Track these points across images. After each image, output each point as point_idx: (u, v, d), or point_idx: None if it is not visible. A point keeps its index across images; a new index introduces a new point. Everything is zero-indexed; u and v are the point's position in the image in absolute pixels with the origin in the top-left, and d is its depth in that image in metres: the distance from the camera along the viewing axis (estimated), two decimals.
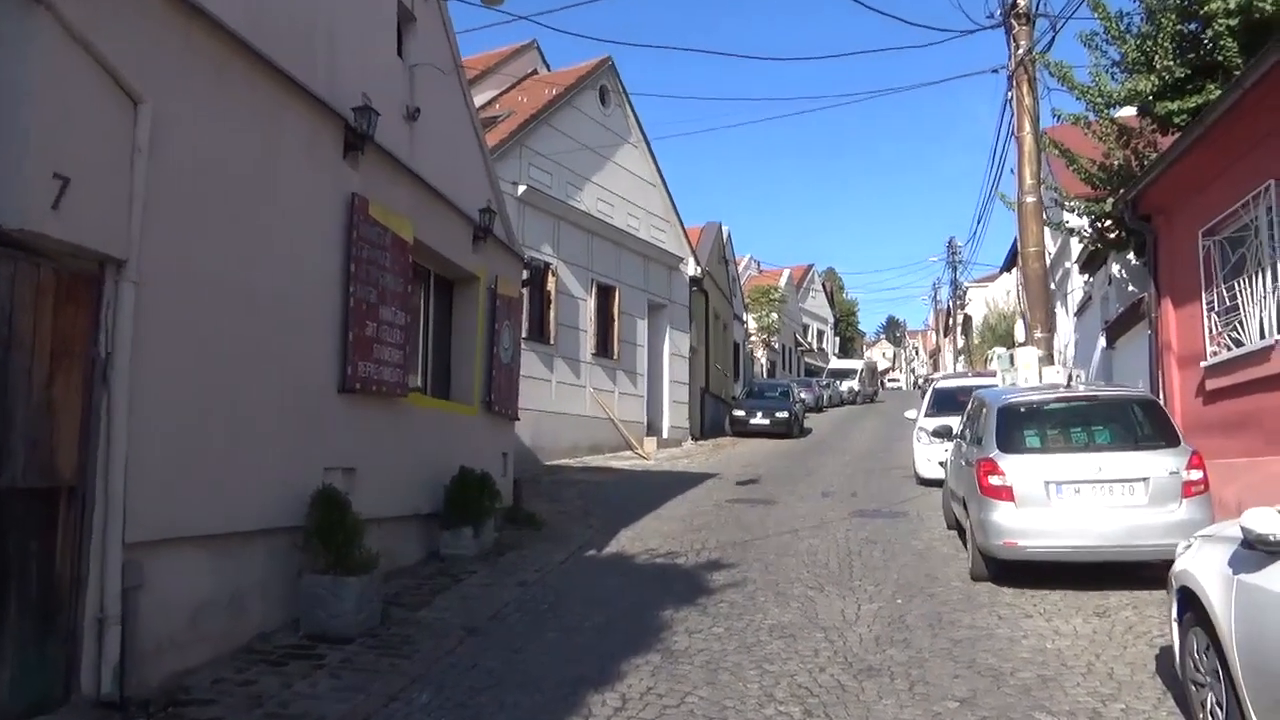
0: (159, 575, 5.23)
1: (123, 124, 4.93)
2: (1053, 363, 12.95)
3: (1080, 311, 19.21)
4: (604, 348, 20.20)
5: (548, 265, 18.24)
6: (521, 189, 17.30)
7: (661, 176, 22.63)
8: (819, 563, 8.86)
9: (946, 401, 15.20)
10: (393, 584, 7.88)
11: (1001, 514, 7.35)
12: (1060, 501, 7.29)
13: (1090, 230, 13.99)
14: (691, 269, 24.18)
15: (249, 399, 6.04)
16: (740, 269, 46.50)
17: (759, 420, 25.47)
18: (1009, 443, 7.72)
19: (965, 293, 55.36)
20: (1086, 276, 18.05)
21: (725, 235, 33.05)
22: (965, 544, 8.72)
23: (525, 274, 12.26)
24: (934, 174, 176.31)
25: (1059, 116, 13.07)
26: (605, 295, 20.32)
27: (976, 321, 49.88)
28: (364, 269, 7.41)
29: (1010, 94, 13.40)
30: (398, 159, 8.20)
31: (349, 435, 7.35)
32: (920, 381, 57.34)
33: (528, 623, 6.87)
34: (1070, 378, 10.31)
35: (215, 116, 5.69)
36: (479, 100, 19.86)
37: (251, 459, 6.07)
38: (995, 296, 45.53)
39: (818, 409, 36.36)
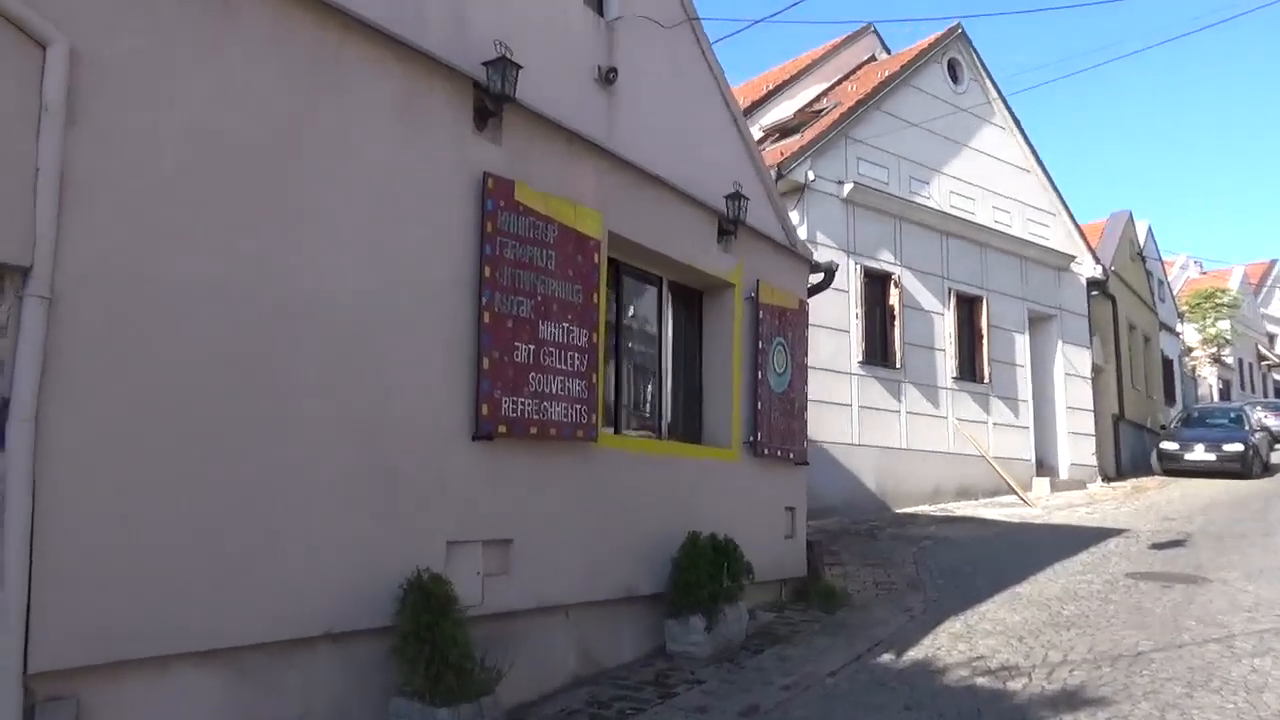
0: (116, 712, 3.67)
1: (20, 74, 3.51)
2: None
3: None
4: (970, 370, 16.62)
5: (888, 275, 15.33)
6: (848, 188, 14.67)
7: (1039, 160, 18.49)
8: (1265, 710, 5.21)
9: None
10: (579, 694, 5.82)
11: None
12: None
13: None
14: (1089, 269, 19.47)
15: (298, 455, 4.38)
16: (1173, 270, 38.65)
17: (1198, 455, 19.77)
18: None
19: None
20: None
21: (1143, 229, 27.09)
22: None
23: (819, 278, 9.69)
24: None
25: None
26: (968, 307, 16.77)
27: None
28: (506, 272, 5.53)
29: None
30: (576, 131, 6.27)
31: (495, 496, 5.46)
32: None
33: None
34: None
35: (209, 65, 4.15)
36: (804, 98, 17.73)
37: (306, 538, 4.39)
38: None
39: None
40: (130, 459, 3.73)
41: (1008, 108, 17.91)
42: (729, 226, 7.87)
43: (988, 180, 17.41)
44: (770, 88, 18.18)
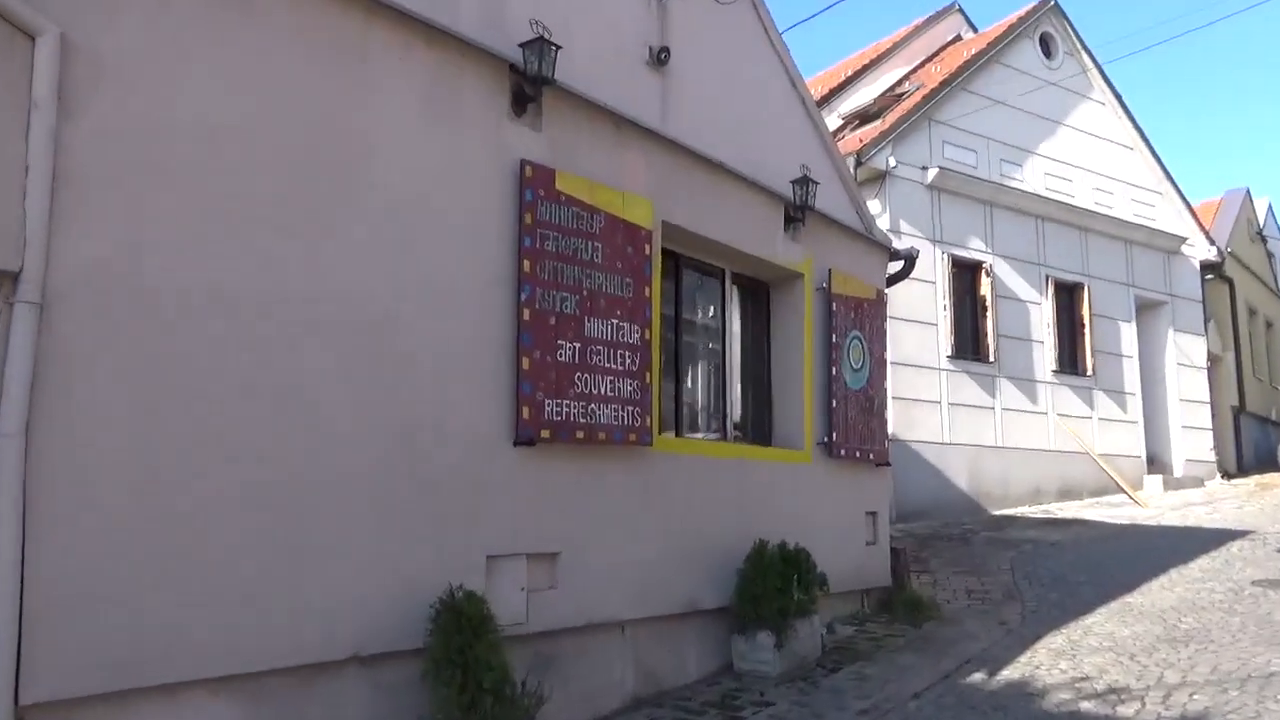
0: None
1: (6, 67, 3.31)
2: None
3: None
4: (1071, 362, 15.60)
5: (979, 264, 14.50)
6: (932, 173, 13.91)
7: (1143, 136, 17.27)
8: None
9: None
10: (636, 717, 5.43)
11: None
12: None
13: None
14: (1203, 252, 18.10)
15: (319, 466, 4.12)
16: None
17: None
18: None
19: None
20: None
21: (1262, 207, 25.20)
22: None
23: (899, 266, 9.08)
24: None
25: None
26: (1068, 295, 15.75)
27: None
28: (548, 266, 5.19)
29: None
30: (624, 115, 5.89)
31: (540, 506, 5.12)
32: None
33: None
34: None
35: (218, 54, 3.91)
36: (885, 82, 16.99)
37: (331, 554, 4.12)
38: None
39: None
40: (130, 474, 3.50)
41: (1107, 81, 16.79)
42: (796, 213, 7.37)
43: (1087, 159, 16.34)
44: (849, 74, 17.47)
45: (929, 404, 13.62)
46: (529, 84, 5.21)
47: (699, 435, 6.96)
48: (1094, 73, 16.70)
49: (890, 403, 13.11)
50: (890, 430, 12.99)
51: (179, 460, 3.64)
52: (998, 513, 13.81)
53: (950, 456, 13.69)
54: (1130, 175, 17.04)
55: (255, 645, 3.82)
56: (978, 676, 6.12)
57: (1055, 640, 6.90)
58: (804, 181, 7.32)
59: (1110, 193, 16.61)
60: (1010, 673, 6.16)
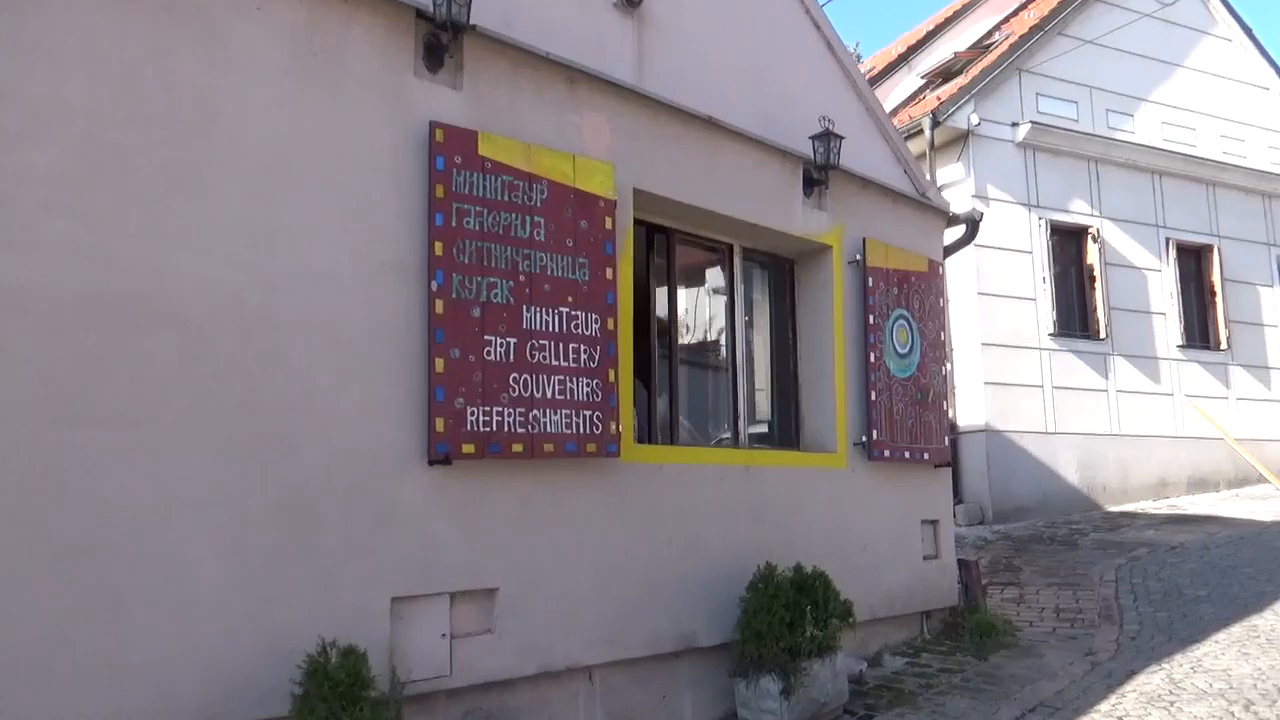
0: None
1: None
2: None
3: None
4: (1200, 335, 13.73)
5: (1084, 229, 12.87)
6: (1024, 130, 12.37)
7: None
8: None
9: None
10: None
11: None
12: None
13: None
14: None
15: (152, 494, 3.40)
16: None
17: None
18: None
19: None
20: None
21: None
22: None
23: (961, 232, 7.80)
24: None
25: None
26: (1193, 259, 13.88)
27: None
28: (468, 247, 4.32)
29: None
30: (580, 67, 4.98)
31: (469, 535, 4.27)
32: None
33: None
34: None
35: None
36: (971, 35, 15.41)
37: (166, 602, 3.40)
38: None
39: None
40: None
41: (1231, 12, 14.73)
42: (819, 175, 6.29)
43: (1212, 104, 14.37)
44: (931, 28, 15.95)
45: (1029, 388, 12.14)
46: (443, 33, 4.38)
47: (712, 440, 6.00)
48: (1216, 4, 14.67)
49: (983, 389, 11.81)
50: (984, 420, 11.70)
51: None
52: (1115, 509, 12.22)
53: (1056, 446, 12.17)
54: (1266, 119, 14.93)
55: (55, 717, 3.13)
56: None
57: (1152, 680, 5.61)
58: (826, 136, 6.22)
59: (1242, 140, 14.57)
60: None
